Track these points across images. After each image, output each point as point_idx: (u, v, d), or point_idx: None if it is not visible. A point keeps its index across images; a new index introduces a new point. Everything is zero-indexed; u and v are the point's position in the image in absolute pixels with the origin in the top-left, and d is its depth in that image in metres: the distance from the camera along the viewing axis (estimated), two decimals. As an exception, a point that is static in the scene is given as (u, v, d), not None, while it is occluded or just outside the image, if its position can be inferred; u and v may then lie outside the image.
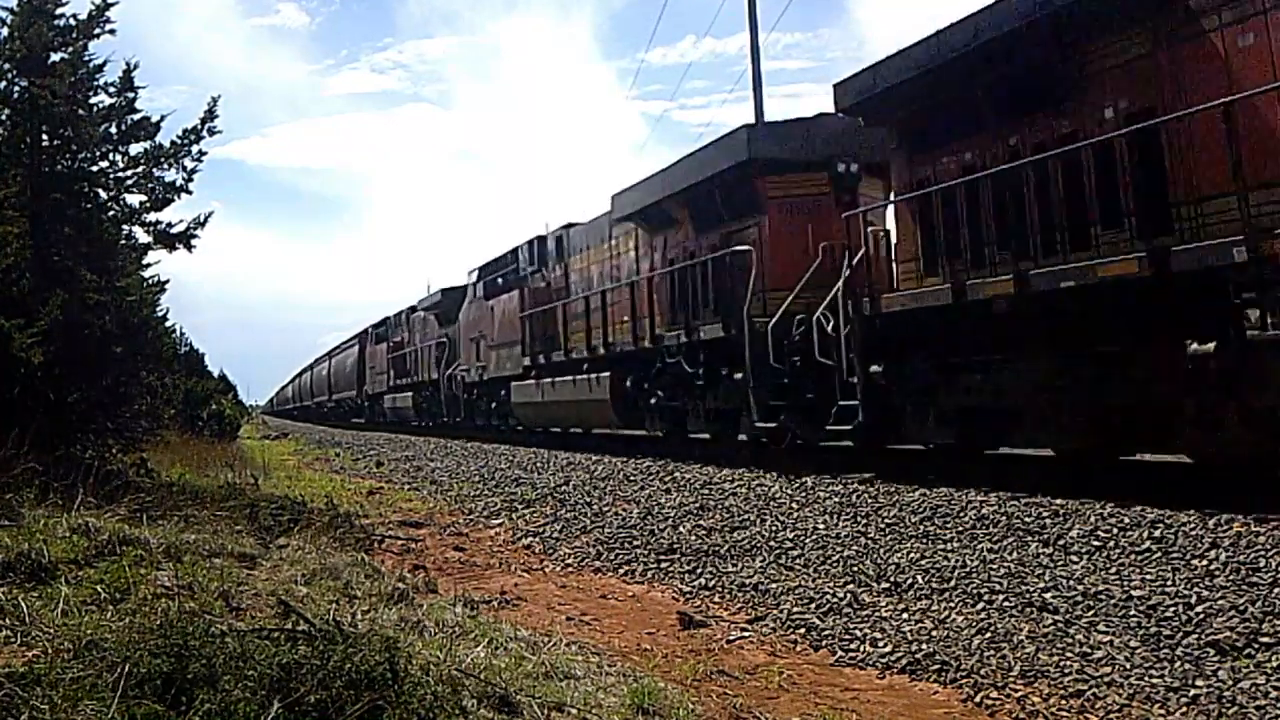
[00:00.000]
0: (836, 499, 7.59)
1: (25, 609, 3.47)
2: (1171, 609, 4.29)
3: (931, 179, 8.61)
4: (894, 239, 9.55)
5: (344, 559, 5.44)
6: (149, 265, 9.99)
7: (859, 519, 6.86)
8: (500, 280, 19.82)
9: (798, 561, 6.02)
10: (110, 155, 8.79)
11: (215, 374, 48.86)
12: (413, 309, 28.99)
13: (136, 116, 8.72)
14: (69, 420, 8.13)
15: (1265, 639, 3.86)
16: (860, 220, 9.51)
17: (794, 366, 9.86)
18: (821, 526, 6.78)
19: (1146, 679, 3.70)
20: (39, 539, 4.50)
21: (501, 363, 19.16)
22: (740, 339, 10.43)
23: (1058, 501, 6.29)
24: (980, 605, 4.76)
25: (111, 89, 8.65)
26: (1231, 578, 4.54)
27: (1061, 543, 5.53)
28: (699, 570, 6.08)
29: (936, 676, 4.00)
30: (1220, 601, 4.27)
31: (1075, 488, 6.58)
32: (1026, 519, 6.06)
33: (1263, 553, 4.74)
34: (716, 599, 5.50)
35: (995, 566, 5.28)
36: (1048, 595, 4.70)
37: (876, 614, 4.82)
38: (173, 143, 8.80)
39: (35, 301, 7.71)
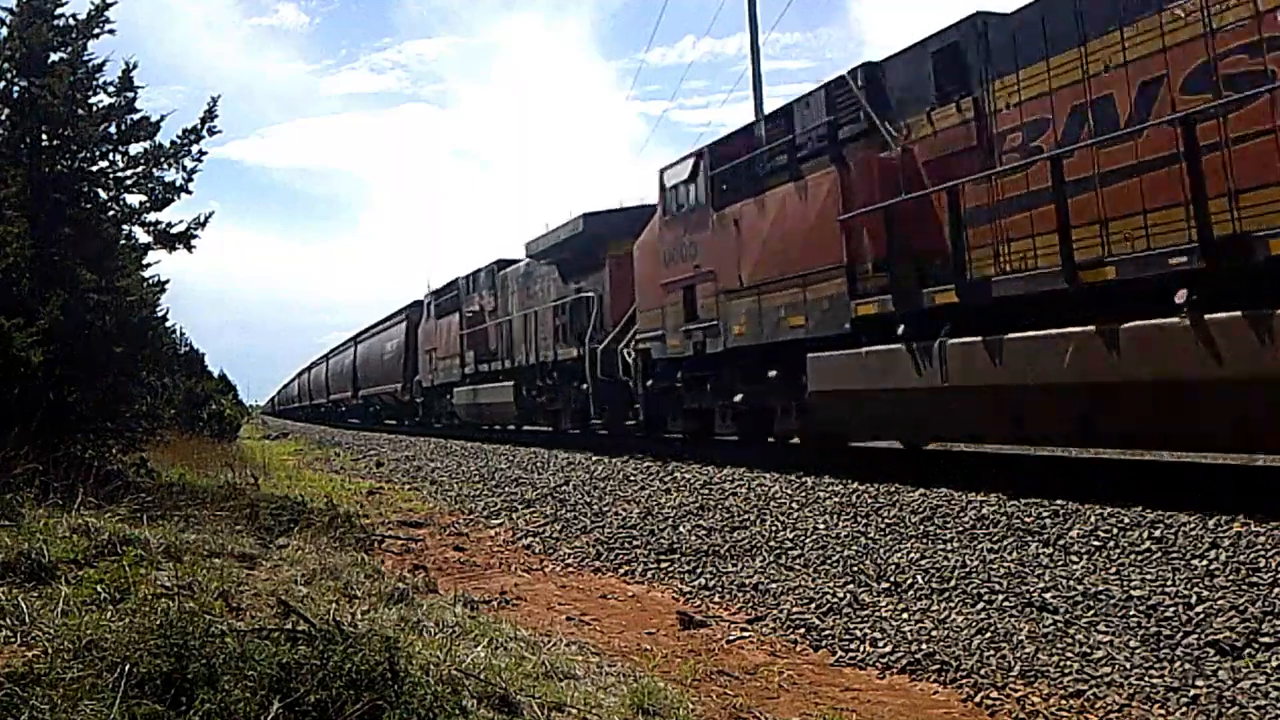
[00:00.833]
0: (836, 499, 7.59)
1: (25, 609, 3.47)
2: (1171, 609, 4.29)
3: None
4: None
5: (344, 559, 5.44)
6: (149, 265, 9.99)
7: (859, 519, 6.86)
8: (749, 173, 10.41)
9: (798, 561, 6.02)
10: (110, 155, 8.79)
11: (215, 374, 46.74)
12: (502, 263, 19.92)
13: (136, 116, 8.71)
14: (69, 420, 8.12)
15: (1265, 639, 3.86)
16: None
17: None
18: (821, 526, 6.78)
19: (1146, 679, 3.71)
20: (39, 539, 4.50)
21: (773, 319, 9.78)
22: None
23: (1058, 501, 6.29)
24: (980, 605, 4.76)
25: (111, 89, 8.64)
26: (1231, 578, 4.55)
27: (1061, 543, 5.53)
28: (699, 570, 6.08)
29: (936, 676, 4.00)
30: (1220, 601, 4.27)
31: (1075, 488, 6.58)
32: (1026, 519, 6.06)
33: (1263, 553, 4.74)
34: (716, 599, 5.50)
35: (995, 566, 5.28)
36: (1048, 595, 4.71)
37: (876, 614, 4.82)
38: (173, 143, 8.80)
39: (35, 301, 7.71)
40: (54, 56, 8.38)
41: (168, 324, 12.66)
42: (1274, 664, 3.68)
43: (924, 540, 6.08)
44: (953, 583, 5.12)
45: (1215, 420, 5.92)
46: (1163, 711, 3.47)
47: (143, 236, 9.31)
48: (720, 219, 10.77)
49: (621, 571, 6.40)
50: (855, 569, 5.62)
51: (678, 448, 12.07)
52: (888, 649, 4.33)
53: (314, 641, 2.99)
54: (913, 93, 8.46)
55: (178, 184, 8.85)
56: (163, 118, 8.85)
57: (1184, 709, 3.46)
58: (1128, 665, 3.84)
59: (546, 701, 3.15)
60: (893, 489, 7.56)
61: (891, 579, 5.36)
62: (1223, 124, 5.94)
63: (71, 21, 8.48)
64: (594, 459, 12.54)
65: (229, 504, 6.92)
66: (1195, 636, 4.01)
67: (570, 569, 6.62)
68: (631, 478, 10.19)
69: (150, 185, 8.85)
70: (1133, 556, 5.10)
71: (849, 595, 5.15)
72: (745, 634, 4.79)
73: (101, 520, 5.14)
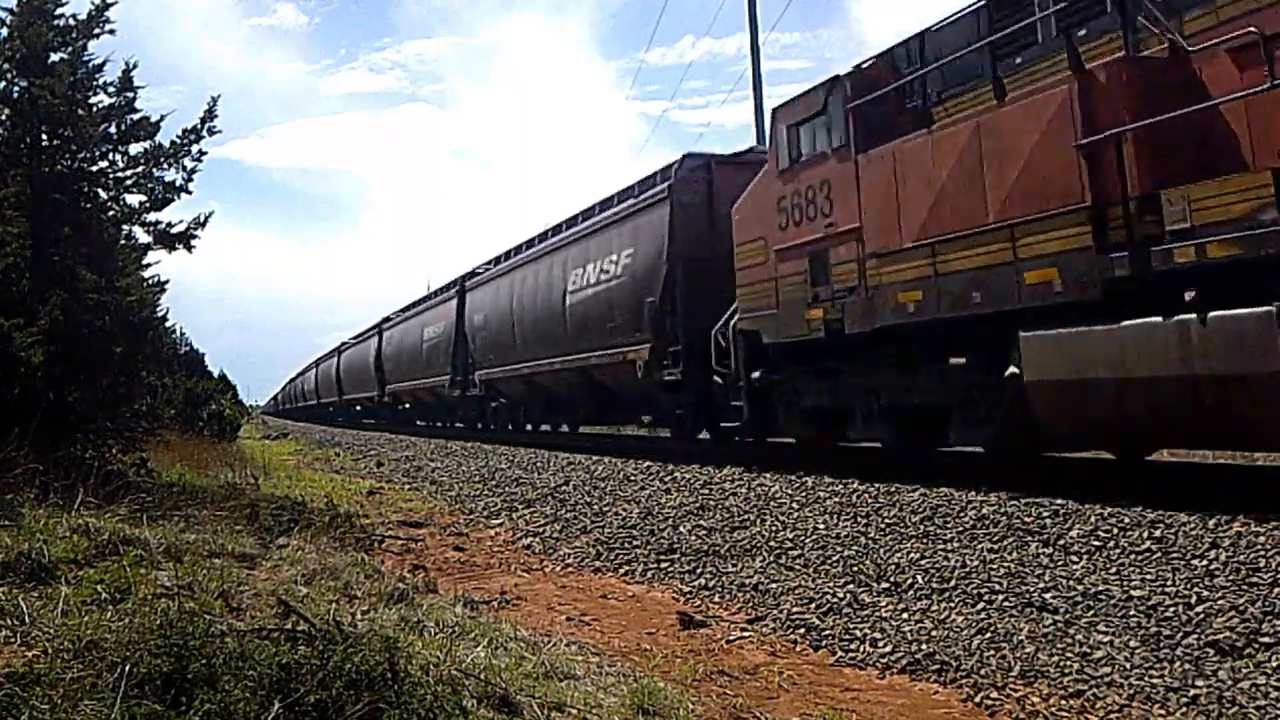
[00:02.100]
0: (836, 499, 7.58)
1: (25, 609, 3.47)
2: (1171, 609, 4.29)
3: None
4: None
5: (344, 559, 5.44)
6: (149, 265, 10.00)
7: (859, 519, 6.86)
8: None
9: (798, 561, 6.02)
10: (110, 155, 8.78)
11: (215, 374, 44.85)
12: None
13: (136, 116, 8.71)
14: (69, 420, 8.12)
15: (1265, 639, 3.86)
16: None
17: None
18: (821, 526, 6.78)
19: (1146, 679, 3.71)
20: (39, 539, 4.50)
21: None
22: None
23: (1058, 501, 6.29)
24: (980, 605, 4.76)
25: (111, 89, 8.64)
26: (1231, 578, 4.55)
27: (1061, 543, 5.53)
28: (699, 570, 6.08)
29: (936, 676, 4.00)
30: (1220, 601, 4.27)
31: (1075, 488, 6.58)
32: (1026, 519, 6.06)
33: (1263, 553, 4.74)
34: (716, 599, 5.50)
35: (995, 566, 5.28)
36: (1048, 595, 4.71)
37: (876, 614, 4.82)
38: (172, 143, 8.79)
39: (35, 301, 7.71)
40: (54, 56, 8.38)
41: (168, 324, 12.70)
42: (1274, 664, 3.68)
43: (924, 540, 6.08)
44: (953, 583, 5.12)
45: None
46: (1163, 711, 3.47)
47: (143, 236, 9.32)
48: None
49: (621, 571, 6.40)
50: (855, 569, 5.62)
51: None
52: (888, 649, 4.33)
53: (314, 641, 2.99)
54: None
55: (178, 184, 8.85)
56: (163, 118, 8.86)
57: (1184, 709, 3.46)
58: (1128, 665, 3.84)
59: (546, 701, 3.15)
60: (893, 489, 7.55)
61: (891, 579, 5.36)
62: None
63: (71, 21, 8.47)
64: (594, 459, 12.54)
65: (229, 504, 6.92)
66: (1195, 636, 4.00)
67: (570, 569, 6.62)
68: (631, 478, 10.19)
69: (150, 185, 8.84)
70: (1133, 556, 5.10)
71: (849, 595, 5.15)
72: (745, 634, 4.79)
73: (101, 520, 5.14)
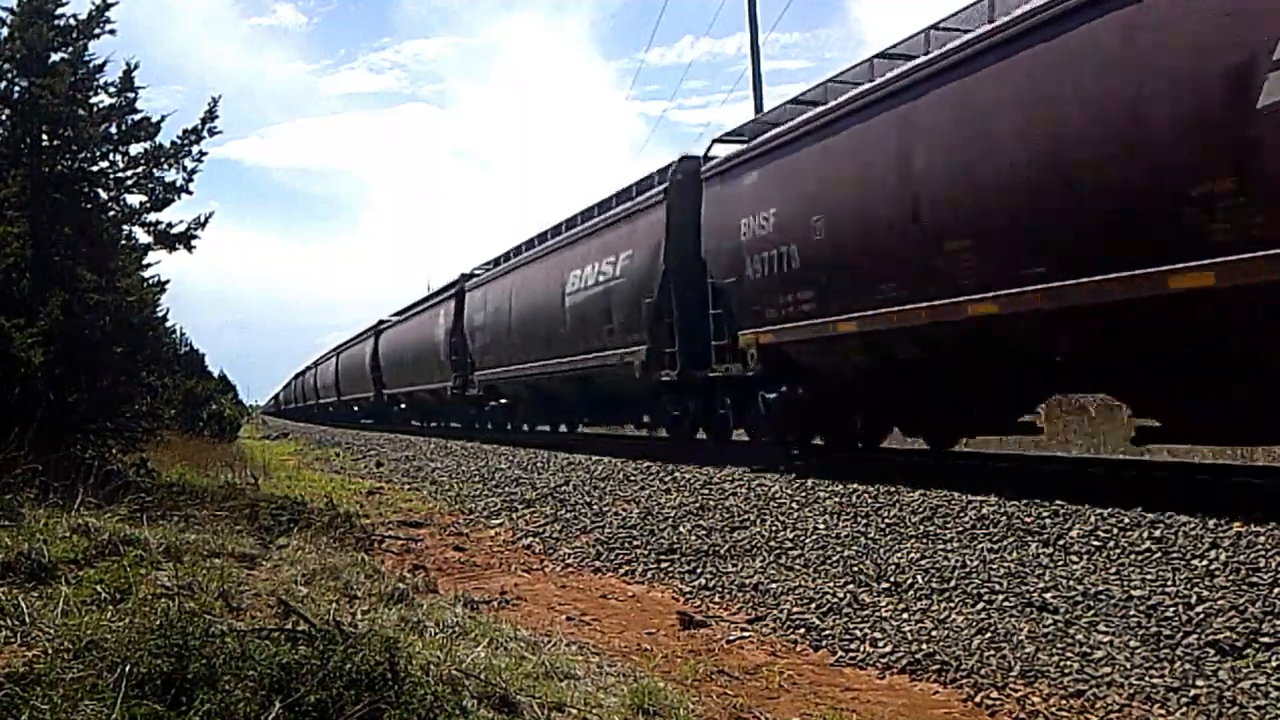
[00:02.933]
0: (836, 499, 7.58)
1: (25, 609, 3.47)
2: (1171, 609, 4.29)
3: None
4: None
5: (344, 559, 5.44)
6: (149, 266, 9.99)
7: (859, 519, 6.86)
8: None
9: (798, 561, 6.02)
10: (110, 155, 8.78)
11: (215, 374, 41.27)
12: None
13: (136, 116, 8.71)
14: (69, 420, 8.12)
15: (1265, 639, 3.86)
16: None
17: None
18: (821, 526, 6.78)
19: (1146, 679, 3.71)
20: (39, 539, 4.50)
21: None
22: None
23: (1058, 501, 6.29)
24: (980, 605, 4.76)
25: (111, 89, 8.64)
26: (1231, 578, 4.55)
27: (1061, 543, 5.53)
28: (699, 570, 6.08)
29: (936, 676, 4.00)
30: (1220, 601, 4.27)
31: (1075, 488, 6.58)
32: (1026, 519, 6.06)
33: (1263, 553, 4.74)
34: (716, 599, 5.50)
35: (995, 566, 5.28)
36: (1048, 595, 4.71)
37: (876, 614, 4.82)
38: (173, 143, 8.79)
39: (35, 301, 7.71)
40: (54, 56, 8.38)
41: (168, 324, 12.70)
42: (1274, 664, 3.68)
43: (924, 540, 6.08)
44: (953, 583, 5.12)
45: None
46: (1163, 711, 3.47)
47: (143, 237, 9.31)
48: None
49: (621, 571, 6.40)
50: (855, 569, 5.62)
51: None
52: (888, 649, 4.33)
53: (314, 641, 3.00)
54: None
55: (178, 184, 8.84)
56: (163, 118, 8.85)
57: (1184, 709, 3.46)
58: (1128, 665, 3.84)
59: (546, 701, 3.15)
60: (893, 489, 7.55)
61: (891, 579, 5.36)
62: None
63: (72, 22, 8.47)
64: (594, 459, 12.53)
65: (229, 504, 6.93)
66: (1195, 636, 4.00)
67: (570, 569, 6.62)
68: (631, 477, 10.19)
69: (150, 185, 8.84)
70: (1133, 556, 5.10)
71: (849, 595, 5.15)
72: (745, 634, 4.79)
73: (101, 520, 5.14)
